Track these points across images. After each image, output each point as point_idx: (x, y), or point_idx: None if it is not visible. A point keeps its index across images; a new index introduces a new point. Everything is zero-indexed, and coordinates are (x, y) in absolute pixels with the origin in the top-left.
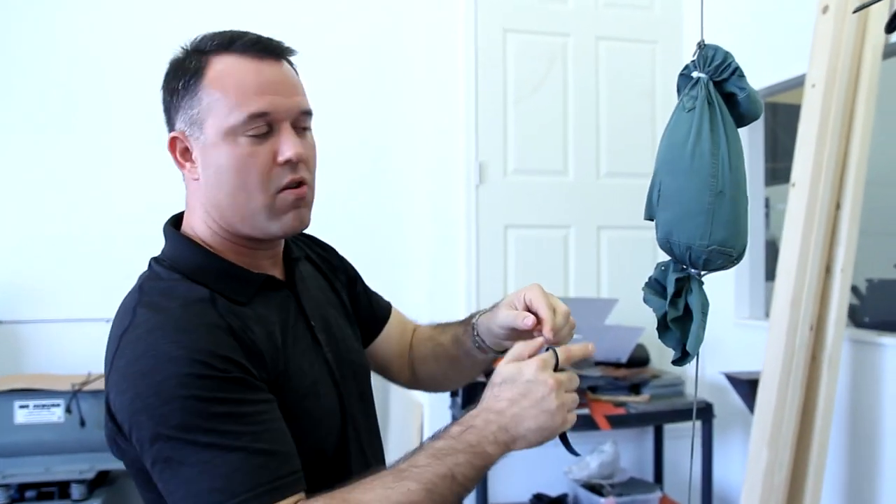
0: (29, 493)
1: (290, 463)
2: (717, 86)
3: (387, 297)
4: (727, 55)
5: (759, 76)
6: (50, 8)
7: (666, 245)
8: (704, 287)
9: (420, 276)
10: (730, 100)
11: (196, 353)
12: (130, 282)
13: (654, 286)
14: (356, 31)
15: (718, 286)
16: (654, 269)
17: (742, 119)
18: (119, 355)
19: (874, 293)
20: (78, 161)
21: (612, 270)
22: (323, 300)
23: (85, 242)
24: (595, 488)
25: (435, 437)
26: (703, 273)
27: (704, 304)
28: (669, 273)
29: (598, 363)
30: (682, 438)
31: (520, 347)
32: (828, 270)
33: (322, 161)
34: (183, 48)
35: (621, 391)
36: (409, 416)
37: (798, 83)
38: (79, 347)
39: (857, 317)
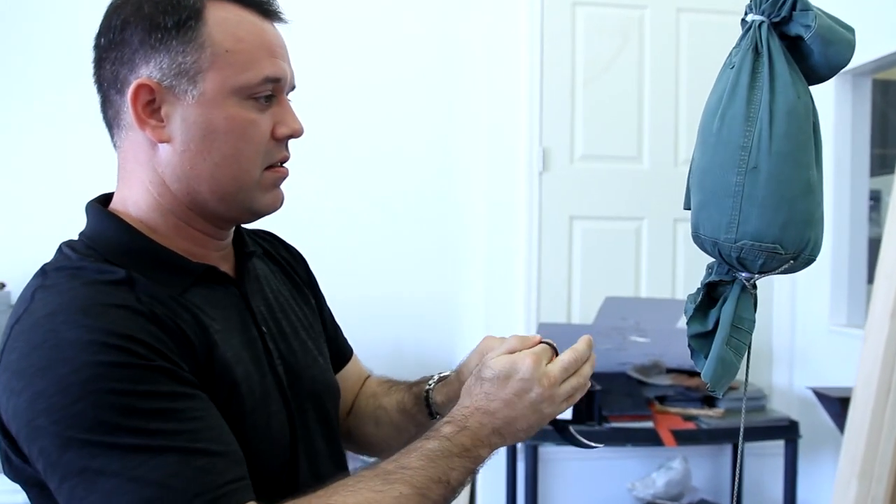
0: None
1: (238, 465)
2: (778, 28)
3: (444, 295)
4: None
5: (868, 46)
6: (67, 5)
7: (697, 240)
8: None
9: (478, 271)
10: (799, 47)
11: (110, 337)
12: None
13: (696, 294)
14: (419, 13)
15: (811, 288)
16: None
17: (816, 71)
18: (9, 349)
19: None
20: (94, 164)
21: (690, 268)
22: (280, 306)
23: None
24: None
25: (427, 437)
26: (754, 277)
27: (742, 319)
28: (713, 276)
29: (669, 370)
30: (765, 457)
31: (513, 341)
32: None
33: (382, 151)
34: None
35: (693, 403)
36: None
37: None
38: None
39: None
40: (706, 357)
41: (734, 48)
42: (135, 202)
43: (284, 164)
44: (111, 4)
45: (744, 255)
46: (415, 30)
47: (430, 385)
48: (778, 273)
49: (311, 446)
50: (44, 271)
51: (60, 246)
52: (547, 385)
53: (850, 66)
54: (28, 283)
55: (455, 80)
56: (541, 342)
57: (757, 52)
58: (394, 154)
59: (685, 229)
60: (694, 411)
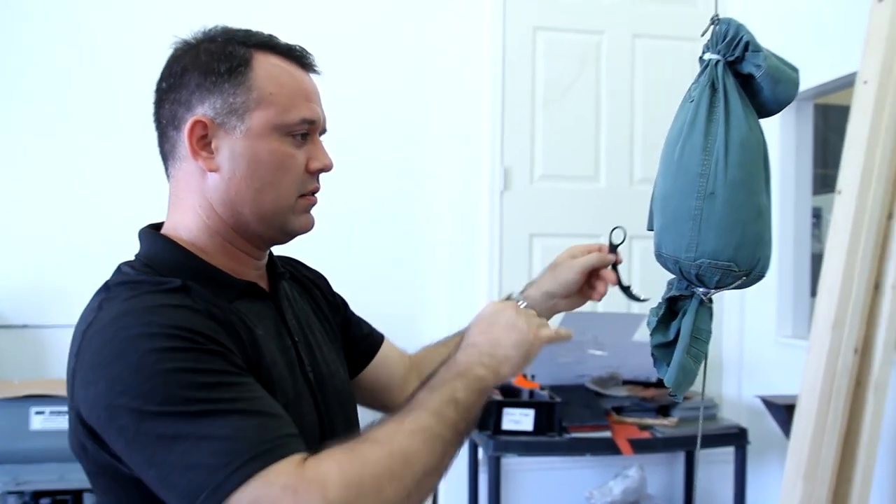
0: (43, 501)
1: (290, 425)
2: (732, 67)
3: (406, 310)
4: (739, 28)
5: (810, 74)
6: (69, 9)
7: (660, 258)
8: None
9: (440, 287)
10: (751, 84)
11: (172, 329)
12: None
13: (658, 308)
14: (381, 31)
15: (759, 302)
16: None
17: (766, 106)
18: (84, 349)
19: None
20: (104, 165)
21: (646, 283)
22: (307, 321)
23: (110, 246)
24: None
25: (424, 382)
26: (710, 292)
27: (700, 330)
28: (673, 291)
29: (625, 382)
30: (716, 464)
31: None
32: (876, 287)
33: (346, 166)
34: (212, 37)
35: (648, 413)
36: None
37: (851, 82)
38: None
39: None
40: (668, 365)
41: (693, 83)
42: (185, 226)
43: (315, 194)
44: (172, 54)
45: (702, 272)
46: (380, 51)
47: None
48: (732, 288)
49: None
50: (107, 287)
51: (119, 266)
52: (513, 308)
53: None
54: (93, 297)
55: (419, 100)
56: None
57: (714, 88)
58: (358, 172)
59: (641, 246)
60: (649, 421)
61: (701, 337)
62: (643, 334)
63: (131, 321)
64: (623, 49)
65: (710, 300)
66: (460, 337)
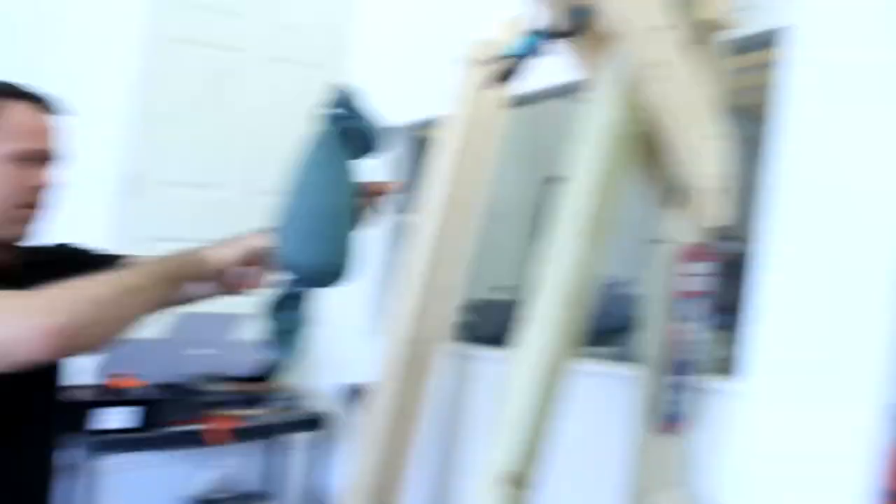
0: None
1: None
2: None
3: None
4: (351, 97)
5: (406, 112)
6: None
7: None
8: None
9: None
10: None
11: None
12: None
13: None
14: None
15: (348, 303)
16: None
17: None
18: None
19: (479, 311)
20: None
21: None
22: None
23: None
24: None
25: None
26: (303, 291)
27: (295, 320)
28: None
29: (226, 378)
30: (300, 452)
31: None
32: (439, 290)
33: None
34: None
35: (241, 405)
36: None
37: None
38: None
39: (469, 332)
40: (277, 348)
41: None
42: None
43: (34, 206)
44: None
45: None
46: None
47: None
48: (312, 288)
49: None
50: None
51: None
52: None
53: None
54: None
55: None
56: None
57: (330, 139)
58: None
59: None
60: (242, 412)
61: (293, 327)
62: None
63: None
64: (260, 69)
65: (304, 298)
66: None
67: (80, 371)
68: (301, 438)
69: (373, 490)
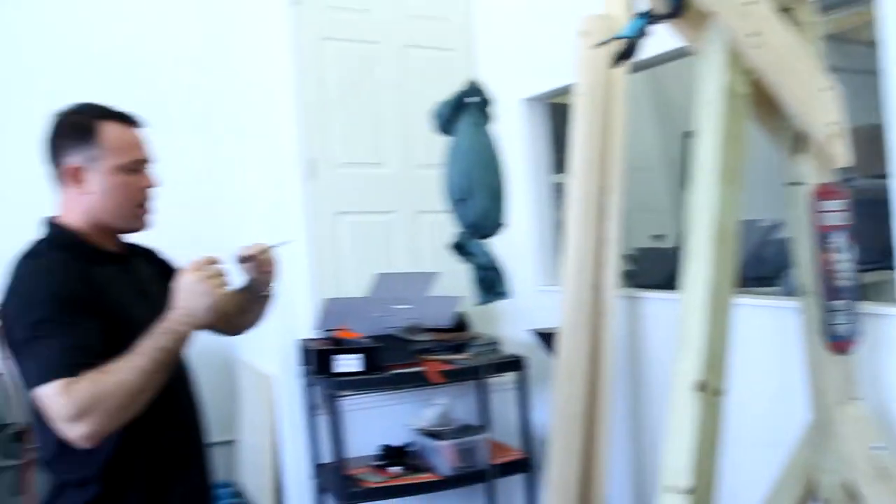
0: None
1: (87, 355)
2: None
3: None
4: (485, 90)
5: (537, 83)
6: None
7: (481, 220)
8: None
9: None
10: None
11: (52, 286)
12: None
13: (456, 249)
14: (199, 44)
15: (521, 261)
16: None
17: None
18: (12, 286)
19: (641, 259)
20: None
21: (434, 249)
22: (149, 279)
23: None
24: (434, 435)
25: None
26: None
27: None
28: (470, 241)
29: (426, 330)
30: (501, 391)
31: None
32: (602, 242)
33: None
34: (72, 113)
35: (448, 351)
36: (259, 388)
37: (567, 90)
38: None
39: (632, 279)
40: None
41: (471, 113)
42: (70, 219)
43: (145, 204)
44: (53, 119)
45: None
46: (189, 65)
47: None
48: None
49: None
50: (25, 254)
51: (32, 241)
52: (196, 279)
53: (531, 94)
54: (16, 259)
55: (232, 104)
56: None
57: (486, 120)
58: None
59: (427, 219)
60: (451, 356)
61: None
62: (442, 291)
63: (38, 277)
64: (396, 56)
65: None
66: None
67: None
68: (504, 378)
69: (579, 417)
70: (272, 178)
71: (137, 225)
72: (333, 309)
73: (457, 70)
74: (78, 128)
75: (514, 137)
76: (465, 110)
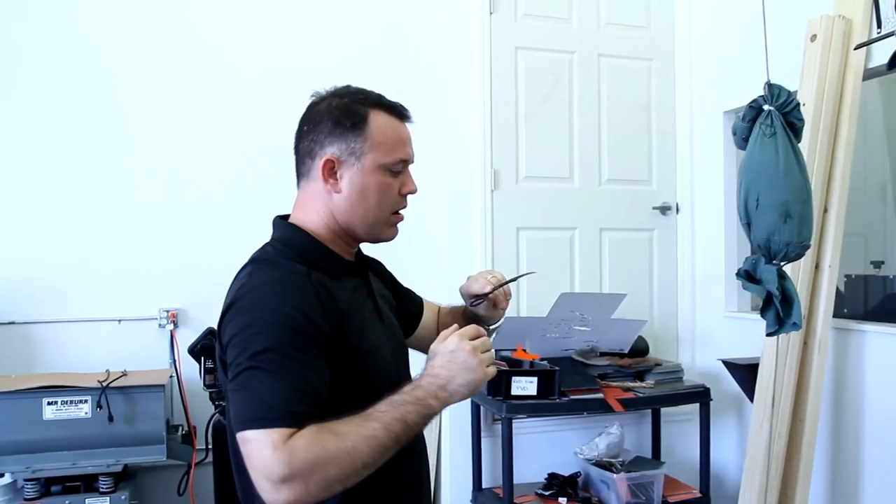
0: (54, 488)
1: (311, 402)
2: (783, 116)
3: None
4: (790, 93)
5: (749, 92)
6: (70, 7)
7: (766, 243)
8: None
9: (439, 275)
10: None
11: (289, 307)
12: (142, 284)
13: (744, 275)
14: (386, 51)
15: (709, 283)
16: (743, 262)
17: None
18: (237, 300)
19: (851, 287)
20: (95, 164)
21: (613, 267)
22: (380, 292)
23: (96, 245)
24: (605, 466)
25: (392, 393)
26: (783, 264)
27: (787, 288)
28: (760, 265)
29: (603, 353)
30: (677, 422)
31: (447, 331)
32: (817, 267)
33: None
34: (339, 94)
35: (627, 378)
36: None
37: None
38: (91, 347)
39: (837, 308)
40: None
41: (761, 123)
42: (310, 221)
43: (401, 211)
44: (311, 103)
45: (799, 250)
46: (386, 68)
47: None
48: (796, 260)
49: (402, 379)
50: (255, 260)
51: (264, 246)
52: (470, 351)
53: (734, 106)
54: (243, 267)
55: (418, 111)
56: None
57: (784, 129)
58: None
59: (609, 236)
60: (630, 384)
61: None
62: (619, 312)
63: (267, 290)
64: (590, 66)
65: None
66: (460, 308)
67: None
68: (676, 413)
69: (778, 461)
70: (454, 189)
71: (388, 234)
72: (509, 328)
73: (654, 81)
74: (347, 114)
75: (715, 151)
76: (761, 120)
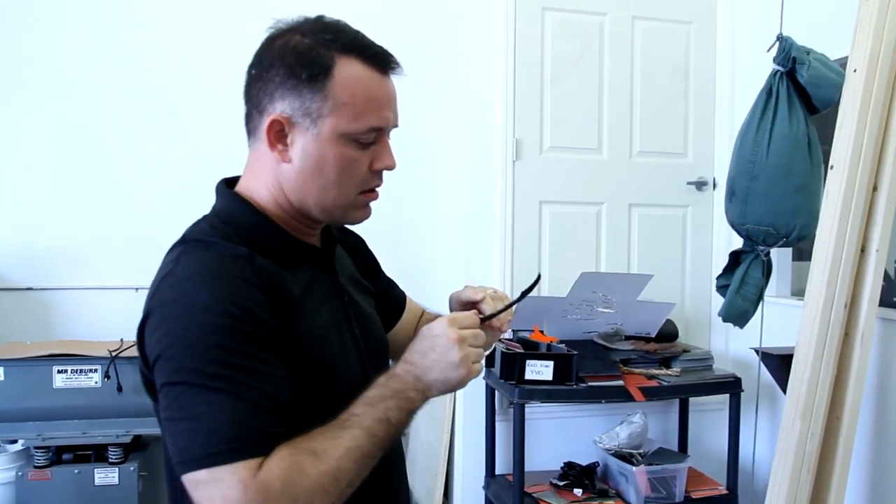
0: (66, 456)
1: (276, 422)
2: (793, 76)
3: (422, 272)
4: (792, 45)
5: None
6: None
7: (731, 224)
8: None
9: (456, 250)
10: (805, 89)
11: (226, 304)
12: (160, 251)
13: (732, 257)
14: (396, 11)
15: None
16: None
17: (815, 105)
18: (158, 296)
19: None
20: (116, 131)
21: (642, 246)
22: (351, 279)
23: (115, 212)
24: (625, 457)
25: (370, 385)
26: (766, 250)
27: (750, 277)
28: (739, 248)
29: (628, 337)
30: (705, 412)
31: (454, 304)
32: (863, 250)
33: None
34: (303, 31)
35: (652, 365)
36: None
37: (843, 64)
38: (108, 315)
39: (885, 296)
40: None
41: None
42: (258, 193)
43: (376, 189)
44: (267, 38)
45: (750, 234)
46: (401, 30)
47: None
48: (779, 246)
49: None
50: (185, 240)
51: (200, 220)
52: (455, 340)
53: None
54: (171, 248)
55: (435, 76)
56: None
57: (769, 94)
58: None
59: (638, 212)
60: (655, 371)
61: (749, 282)
62: (647, 294)
63: (198, 286)
64: (623, 29)
65: (767, 255)
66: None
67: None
68: (705, 402)
69: (811, 459)
70: (473, 159)
71: (354, 217)
72: (527, 308)
73: (693, 45)
74: (305, 61)
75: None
76: (774, 83)
